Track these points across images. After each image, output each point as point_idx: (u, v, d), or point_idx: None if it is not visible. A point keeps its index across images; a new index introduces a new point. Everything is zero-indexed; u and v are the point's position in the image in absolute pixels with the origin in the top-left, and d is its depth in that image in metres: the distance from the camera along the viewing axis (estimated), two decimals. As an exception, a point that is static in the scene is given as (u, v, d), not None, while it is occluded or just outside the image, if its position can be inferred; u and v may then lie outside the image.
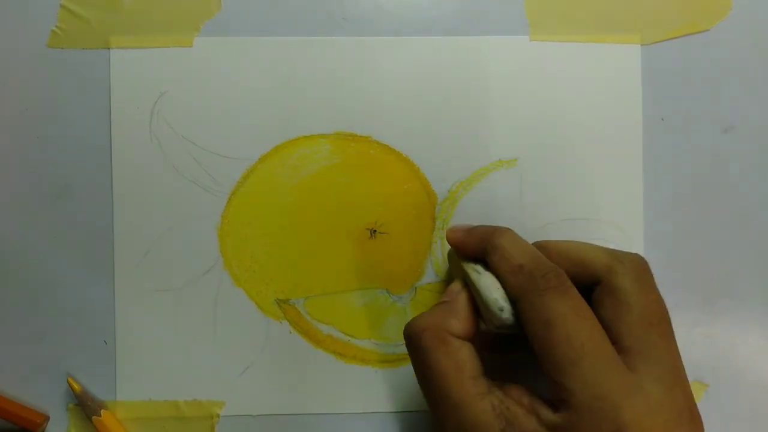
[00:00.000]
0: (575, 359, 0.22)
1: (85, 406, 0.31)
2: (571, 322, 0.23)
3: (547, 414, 0.23)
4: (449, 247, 0.30)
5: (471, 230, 0.28)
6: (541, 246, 0.27)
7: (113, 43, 0.32)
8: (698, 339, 0.33)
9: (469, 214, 0.32)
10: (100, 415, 0.31)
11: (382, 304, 0.32)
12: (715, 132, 0.33)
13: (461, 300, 0.27)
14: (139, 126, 0.32)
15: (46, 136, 0.32)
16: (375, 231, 0.32)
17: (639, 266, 0.26)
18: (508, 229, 0.27)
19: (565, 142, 0.32)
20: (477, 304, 0.26)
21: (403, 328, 0.26)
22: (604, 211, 0.32)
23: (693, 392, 0.32)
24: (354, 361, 0.32)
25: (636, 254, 0.26)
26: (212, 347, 0.32)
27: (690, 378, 0.32)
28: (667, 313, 0.25)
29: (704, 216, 0.33)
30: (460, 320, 0.26)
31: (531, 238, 0.32)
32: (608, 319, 0.24)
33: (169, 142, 0.32)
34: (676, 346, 0.25)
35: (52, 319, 0.32)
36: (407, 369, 0.32)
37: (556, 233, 0.32)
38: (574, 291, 0.24)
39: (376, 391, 0.32)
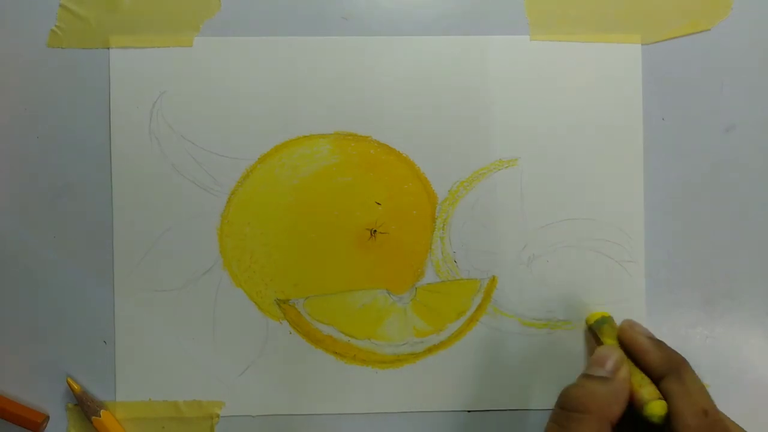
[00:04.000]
0: None
1: (84, 407, 0.31)
2: None
3: None
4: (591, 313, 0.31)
5: (655, 344, 0.28)
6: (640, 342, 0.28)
7: (113, 42, 0.32)
8: (698, 339, 0.33)
9: (469, 214, 0.32)
10: (100, 416, 0.31)
11: (382, 304, 0.32)
12: (715, 132, 0.33)
13: (622, 380, 0.26)
14: (139, 126, 0.32)
15: (46, 136, 0.32)
16: (375, 231, 0.32)
17: (682, 361, 0.27)
18: (688, 364, 0.27)
19: (565, 141, 0.32)
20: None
21: (564, 390, 0.26)
22: (605, 211, 0.32)
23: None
24: (354, 361, 0.32)
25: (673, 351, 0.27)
26: (212, 347, 0.32)
27: (691, 378, 0.32)
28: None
29: (704, 216, 0.33)
30: (620, 405, 0.25)
31: (531, 238, 0.32)
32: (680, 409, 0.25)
33: (169, 142, 0.32)
34: None
35: (52, 319, 0.32)
36: (407, 369, 0.32)
37: (557, 233, 0.32)
38: None
39: (375, 391, 0.32)
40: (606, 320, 0.31)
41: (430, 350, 0.32)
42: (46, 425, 0.32)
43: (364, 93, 0.32)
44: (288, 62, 0.32)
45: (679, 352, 0.29)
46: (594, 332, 0.31)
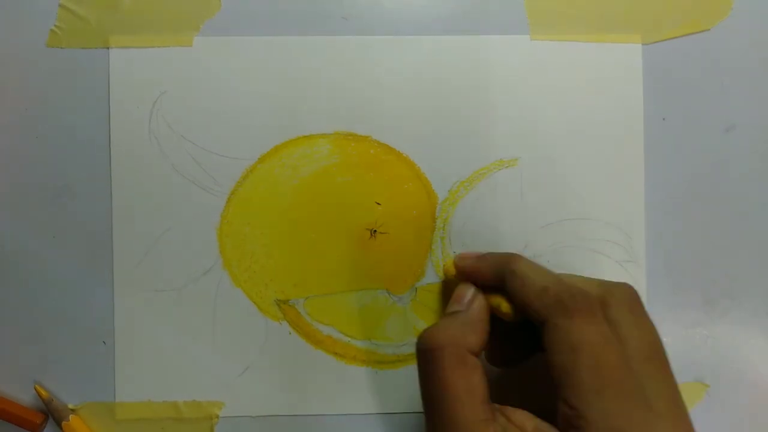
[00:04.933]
0: (599, 388, 0.22)
1: (53, 413, 0.31)
2: (599, 349, 0.23)
3: None
4: (447, 258, 0.30)
5: (482, 257, 0.28)
6: None
7: (113, 42, 0.32)
8: (699, 339, 0.33)
9: (469, 214, 0.32)
10: (69, 420, 0.31)
11: (382, 304, 0.32)
12: (715, 132, 0.33)
13: (475, 312, 0.26)
14: (139, 126, 0.32)
15: (46, 136, 0.32)
16: (375, 231, 0.32)
17: (630, 296, 0.25)
18: (521, 255, 0.27)
19: (566, 141, 0.32)
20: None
21: (417, 338, 0.26)
22: (605, 211, 0.32)
23: (694, 393, 0.33)
24: (354, 362, 0.32)
25: (626, 284, 0.25)
26: (212, 348, 0.32)
27: (691, 378, 0.33)
28: (661, 342, 0.24)
29: (705, 216, 0.33)
30: (477, 334, 0.25)
31: (531, 238, 0.32)
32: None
33: (169, 142, 0.32)
34: (673, 376, 0.24)
35: (52, 319, 0.32)
36: (407, 370, 0.32)
37: (557, 233, 0.32)
38: (602, 316, 0.24)
39: (375, 392, 0.32)
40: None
41: (430, 350, 0.32)
42: (45, 425, 0.32)
43: (364, 93, 0.32)
44: (288, 62, 0.32)
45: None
46: (449, 276, 0.30)
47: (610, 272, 0.32)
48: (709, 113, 0.33)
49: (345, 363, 0.32)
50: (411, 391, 0.32)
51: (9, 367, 0.32)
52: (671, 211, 0.33)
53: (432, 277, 0.32)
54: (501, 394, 0.25)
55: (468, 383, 0.24)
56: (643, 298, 0.32)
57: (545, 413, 0.24)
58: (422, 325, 0.32)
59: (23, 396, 0.32)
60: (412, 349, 0.32)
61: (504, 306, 0.27)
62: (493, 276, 0.27)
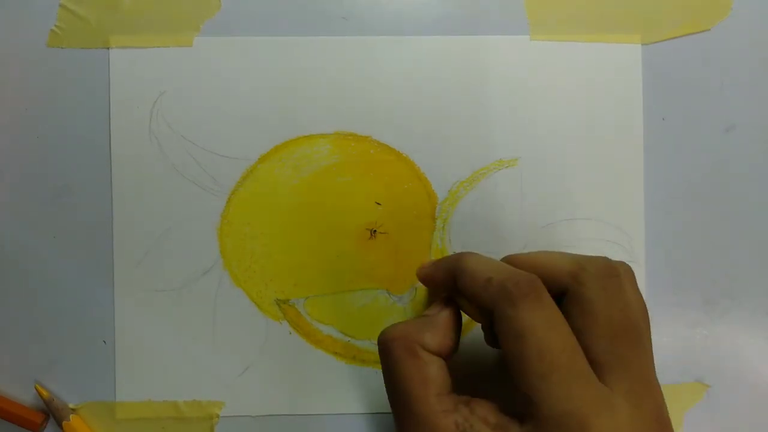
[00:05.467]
0: (545, 373, 0.22)
1: (54, 412, 0.31)
2: (542, 334, 0.22)
3: (515, 429, 0.22)
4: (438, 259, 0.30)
5: (437, 263, 0.28)
6: (508, 260, 0.26)
7: (113, 42, 0.32)
8: (699, 339, 0.33)
9: (469, 214, 0.32)
10: (69, 420, 0.31)
11: (382, 304, 0.32)
12: (715, 132, 0.33)
13: (442, 315, 0.26)
14: (139, 126, 0.32)
15: (46, 136, 0.32)
16: (375, 231, 0.32)
17: (605, 272, 0.24)
18: (472, 252, 0.27)
19: (565, 141, 0.32)
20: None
21: (378, 336, 0.26)
22: (605, 211, 0.32)
23: (694, 393, 0.33)
24: (354, 361, 0.32)
25: (602, 258, 0.25)
26: (212, 347, 0.32)
27: (691, 378, 0.33)
28: (636, 319, 0.24)
29: (705, 216, 0.33)
30: (435, 335, 0.25)
31: (532, 238, 0.32)
32: (577, 330, 0.23)
33: (169, 142, 0.32)
34: (647, 353, 0.24)
35: (52, 319, 0.32)
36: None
37: (557, 233, 0.32)
38: (548, 300, 0.23)
39: (375, 392, 0.32)
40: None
41: (430, 350, 0.32)
42: (46, 425, 0.32)
43: (364, 93, 0.32)
44: (288, 62, 0.32)
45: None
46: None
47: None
48: (709, 113, 0.33)
49: (345, 363, 0.32)
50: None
51: (9, 367, 0.32)
52: (671, 211, 0.33)
53: (432, 277, 0.32)
54: (476, 391, 0.25)
55: (421, 374, 0.24)
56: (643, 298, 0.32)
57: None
58: (422, 325, 0.32)
59: (23, 396, 0.32)
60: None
61: (466, 308, 0.26)
62: (448, 278, 0.26)
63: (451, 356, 0.26)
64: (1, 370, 0.32)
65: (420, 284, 0.32)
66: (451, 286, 0.26)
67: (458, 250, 0.32)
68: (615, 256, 0.32)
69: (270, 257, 0.32)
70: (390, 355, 0.25)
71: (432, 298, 0.32)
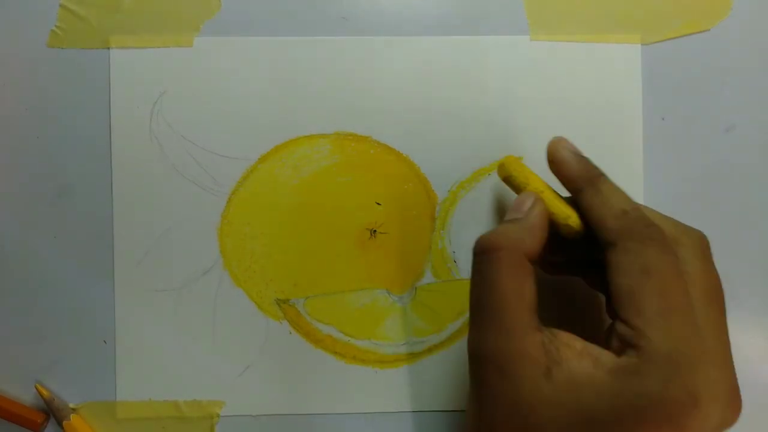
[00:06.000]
0: (665, 310, 0.22)
1: (54, 412, 0.31)
2: (670, 276, 0.23)
3: (608, 357, 0.22)
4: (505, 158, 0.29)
5: (577, 156, 0.27)
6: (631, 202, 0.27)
7: (113, 42, 0.32)
8: (699, 339, 0.33)
9: (469, 214, 0.32)
10: (70, 419, 0.31)
11: (382, 304, 0.32)
12: (715, 132, 0.33)
13: (533, 216, 0.26)
14: (139, 126, 0.32)
15: (46, 136, 0.32)
16: (375, 231, 0.32)
17: (703, 242, 0.26)
18: (607, 175, 0.27)
19: (565, 142, 0.32)
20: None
21: (475, 242, 0.25)
22: (605, 211, 0.32)
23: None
24: (354, 361, 0.32)
25: (699, 231, 0.26)
26: (212, 347, 0.32)
27: (690, 378, 0.32)
28: (723, 292, 0.25)
29: (704, 216, 0.33)
30: (535, 240, 0.25)
31: (531, 238, 0.32)
32: None
33: (169, 142, 0.32)
34: (727, 326, 0.25)
35: (52, 319, 0.32)
36: (407, 369, 0.32)
37: (557, 233, 0.32)
38: (676, 252, 0.24)
39: (375, 391, 0.32)
40: (516, 162, 0.29)
41: (430, 350, 0.32)
42: (46, 425, 0.32)
43: (364, 93, 0.32)
44: (288, 62, 0.32)
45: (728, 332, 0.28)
46: (511, 183, 0.28)
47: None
48: (709, 113, 0.33)
49: (345, 363, 0.32)
50: (411, 391, 0.32)
51: (10, 367, 0.32)
52: (671, 211, 0.33)
53: (432, 277, 0.32)
54: (542, 313, 0.25)
55: (520, 287, 0.24)
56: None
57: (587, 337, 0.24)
58: (422, 325, 0.32)
59: (24, 395, 0.32)
60: (412, 349, 0.32)
61: (573, 220, 0.26)
62: (576, 179, 0.27)
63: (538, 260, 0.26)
64: (1, 370, 0.32)
65: (420, 284, 0.32)
66: (572, 186, 0.27)
67: (458, 251, 0.32)
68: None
69: (270, 257, 0.32)
70: (494, 265, 0.24)
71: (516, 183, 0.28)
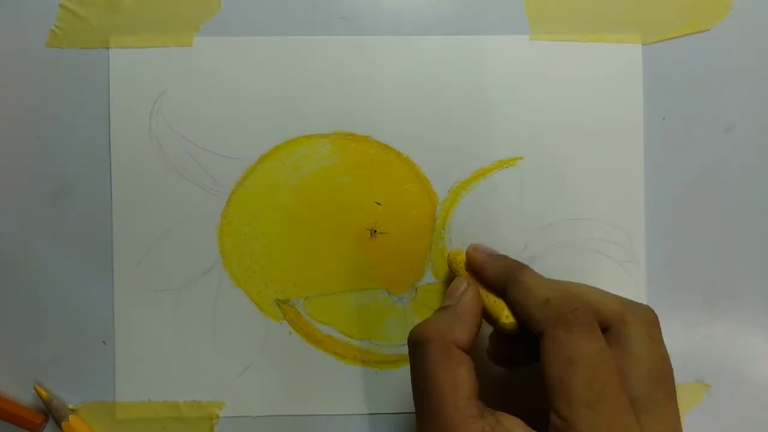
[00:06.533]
0: (592, 401, 0.22)
1: (53, 412, 0.31)
2: (594, 363, 0.23)
3: None
4: (451, 249, 0.30)
5: (493, 257, 0.28)
6: (560, 287, 0.27)
7: (113, 42, 0.32)
8: (699, 340, 0.33)
9: (469, 214, 0.32)
10: (69, 420, 0.31)
11: (382, 304, 0.32)
12: (715, 132, 0.33)
13: (465, 303, 0.26)
14: (139, 126, 0.32)
15: (46, 136, 0.32)
16: (375, 231, 0.32)
17: (650, 319, 0.26)
18: (528, 266, 0.27)
19: (565, 141, 0.32)
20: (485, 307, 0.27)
21: (408, 333, 0.26)
22: (605, 211, 0.32)
23: (694, 393, 0.33)
24: (354, 361, 0.32)
25: (647, 306, 0.26)
26: (212, 348, 0.32)
27: (691, 378, 0.33)
28: (672, 372, 0.25)
29: (705, 216, 0.33)
30: (464, 327, 0.25)
31: (531, 238, 0.32)
32: (616, 368, 0.24)
33: (169, 142, 0.32)
34: (678, 408, 0.25)
35: (51, 319, 0.32)
36: (407, 370, 0.32)
37: (557, 233, 0.32)
38: (600, 333, 0.24)
39: (375, 392, 0.32)
40: (458, 253, 0.30)
41: (430, 350, 0.32)
42: (45, 425, 0.32)
43: (363, 93, 0.32)
44: (288, 62, 0.32)
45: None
46: (452, 268, 0.30)
47: (610, 272, 0.32)
48: (709, 113, 0.33)
49: (345, 363, 0.32)
50: (410, 392, 0.32)
51: (9, 367, 0.32)
52: (671, 211, 0.33)
53: (432, 277, 0.32)
54: (496, 398, 0.25)
55: (453, 377, 0.24)
56: (643, 298, 0.32)
57: (538, 422, 0.24)
58: (422, 325, 0.32)
59: (23, 396, 0.32)
60: (412, 349, 0.32)
61: (504, 316, 0.26)
62: (497, 279, 0.27)
63: (474, 346, 0.26)
64: (1, 371, 0.32)
65: (420, 284, 0.32)
66: (497, 286, 0.27)
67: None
68: (615, 256, 0.32)
69: (270, 257, 0.32)
70: (424, 357, 0.25)
71: (451, 278, 0.30)
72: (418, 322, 0.32)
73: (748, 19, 0.33)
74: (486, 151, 0.32)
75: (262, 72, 0.32)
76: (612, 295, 0.27)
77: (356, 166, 0.32)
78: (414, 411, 0.32)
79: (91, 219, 0.32)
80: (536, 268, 0.32)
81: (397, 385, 0.32)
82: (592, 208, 0.32)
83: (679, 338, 0.33)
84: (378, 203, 0.32)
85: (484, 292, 0.27)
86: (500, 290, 0.27)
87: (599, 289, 0.27)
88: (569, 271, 0.32)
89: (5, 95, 0.32)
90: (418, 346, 0.25)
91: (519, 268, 0.27)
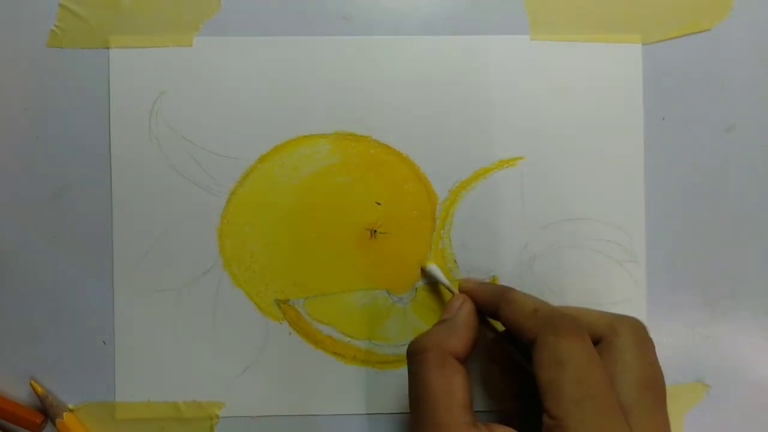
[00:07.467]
0: (580, 399, 0.23)
1: (48, 409, 0.31)
2: (582, 364, 0.24)
3: None
4: (429, 265, 0.32)
5: (483, 284, 0.30)
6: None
7: (112, 42, 0.32)
8: (699, 339, 0.33)
9: (469, 214, 0.32)
10: (63, 418, 0.31)
11: (382, 304, 0.32)
12: (716, 131, 0.33)
13: (461, 316, 0.28)
14: (139, 126, 0.32)
15: (46, 135, 0.32)
16: (375, 231, 0.32)
17: (639, 330, 0.27)
18: (515, 288, 0.28)
19: (566, 141, 0.32)
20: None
21: (408, 335, 0.27)
22: (606, 211, 0.32)
23: (694, 393, 0.33)
24: (354, 362, 0.32)
25: (636, 318, 0.27)
26: (212, 348, 0.32)
27: (691, 378, 0.33)
28: (663, 381, 0.26)
29: (705, 216, 0.33)
30: (460, 338, 0.27)
31: (532, 238, 0.32)
32: (606, 374, 0.25)
33: (169, 142, 0.32)
34: (667, 415, 0.25)
35: (51, 319, 0.32)
36: (407, 370, 0.32)
37: (557, 233, 0.32)
38: (588, 336, 0.25)
39: (375, 392, 0.32)
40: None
41: (430, 350, 0.32)
42: (45, 425, 0.32)
43: (364, 93, 0.32)
44: (288, 62, 0.32)
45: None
46: (447, 288, 0.31)
47: (610, 272, 0.32)
48: (709, 113, 0.33)
49: (345, 363, 0.32)
50: (411, 391, 0.32)
51: (9, 367, 0.32)
52: (671, 211, 0.33)
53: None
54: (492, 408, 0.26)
55: (448, 385, 0.25)
56: (643, 298, 0.32)
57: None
58: (422, 325, 0.32)
59: (23, 396, 0.32)
60: (412, 349, 0.32)
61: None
62: (489, 302, 0.28)
63: (470, 357, 0.27)
64: (1, 370, 0.32)
65: (420, 284, 0.32)
66: (489, 310, 0.28)
67: (458, 251, 0.32)
68: (615, 256, 0.32)
69: (270, 257, 0.32)
70: (422, 366, 0.26)
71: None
72: (418, 322, 0.32)
73: (748, 19, 0.33)
74: (486, 151, 0.32)
75: (262, 72, 0.32)
76: (600, 311, 0.28)
77: (356, 166, 0.32)
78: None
79: (91, 219, 0.32)
80: (536, 268, 0.32)
81: (397, 385, 0.32)
82: (592, 208, 0.32)
83: (679, 338, 0.33)
84: (378, 203, 0.32)
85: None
86: (493, 312, 0.28)
87: (590, 309, 0.28)
88: (569, 271, 0.32)
89: (5, 95, 0.32)
90: (415, 355, 0.26)
91: (507, 289, 0.28)
